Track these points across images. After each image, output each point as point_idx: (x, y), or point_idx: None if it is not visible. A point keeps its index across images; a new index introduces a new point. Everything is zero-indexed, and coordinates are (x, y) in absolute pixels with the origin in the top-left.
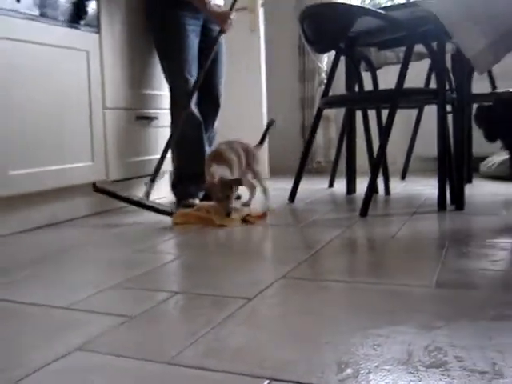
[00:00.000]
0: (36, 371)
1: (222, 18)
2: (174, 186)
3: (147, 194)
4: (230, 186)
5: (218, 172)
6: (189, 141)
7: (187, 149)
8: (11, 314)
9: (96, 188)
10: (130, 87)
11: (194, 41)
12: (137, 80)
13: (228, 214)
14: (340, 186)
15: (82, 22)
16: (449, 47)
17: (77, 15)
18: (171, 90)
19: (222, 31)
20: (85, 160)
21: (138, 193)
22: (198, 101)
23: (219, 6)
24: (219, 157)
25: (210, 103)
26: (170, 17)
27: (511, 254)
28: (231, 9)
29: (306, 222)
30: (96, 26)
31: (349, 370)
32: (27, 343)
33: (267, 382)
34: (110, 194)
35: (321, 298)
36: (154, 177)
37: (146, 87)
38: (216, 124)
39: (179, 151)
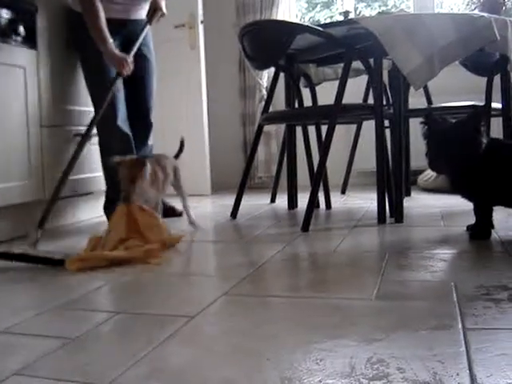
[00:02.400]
0: None
1: (118, 61)
2: (105, 208)
3: (34, 243)
4: (139, 165)
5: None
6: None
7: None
8: None
9: None
10: (67, 104)
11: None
12: (74, 97)
13: (126, 199)
14: (282, 201)
15: (19, 39)
16: (386, 64)
17: (13, 31)
18: (94, 105)
19: (118, 74)
20: (22, 179)
21: (78, 212)
22: (128, 117)
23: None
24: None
25: (140, 119)
26: (85, 35)
27: (449, 265)
28: (129, 52)
29: (248, 237)
30: (33, 42)
31: None
32: None
33: None
34: None
35: (263, 314)
36: (42, 222)
37: (84, 104)
38: (150, 141)
39: (108, 169)
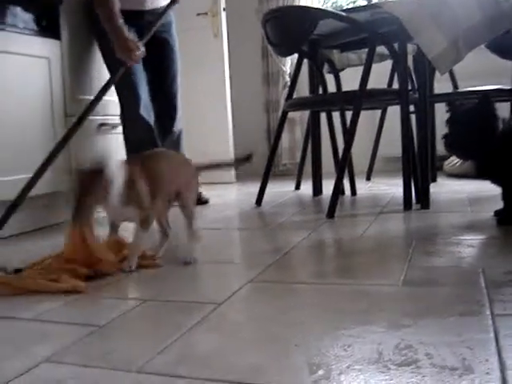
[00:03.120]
0: None
1: (125, 48)
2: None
3: None
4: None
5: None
6: (139, 146)
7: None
8: None
9: None
10: (91, 94)
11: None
12: (98, 86)
13: (73, 219)
14: (306, 187)
15: (43, 30)
16: (410, 48)
17: (37, 23)
18: (118, 96)
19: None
20: (48, 169)
21: None
22: (153, 104)
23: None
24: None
25: (164, 106)
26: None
27: (477, 251)
28: (142, 39)
29: (273, 224)
30: (56, 32)
31: (320, 372)
32: None
33: None
34: None
35: (289, 300)
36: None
37: (109, 94)
38: (177, 127)
39: None
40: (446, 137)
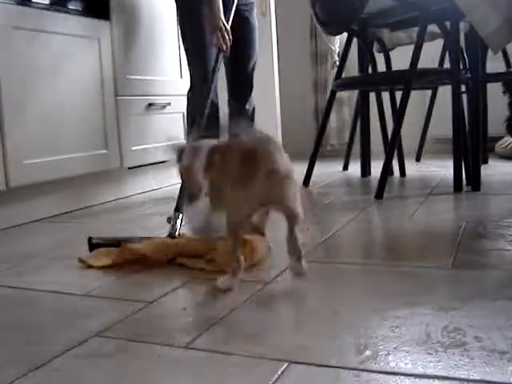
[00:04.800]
0: (56, 357)
1: (212, 27)
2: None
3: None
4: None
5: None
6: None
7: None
8: (27, 302)
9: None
10: (141, 74)
11: None
12: (148, 67)
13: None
14: (354, 168)
15: (92, 10)
16: (462, 26)
17: (86, 3)
18: (190, 74)
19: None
20: (99, 148)
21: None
22: (228, 81)
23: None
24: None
25: (241, 80)
26: (196, 8)
27: None
28: (228, 20)
29: (321, 205)
30: (106, 13)
31: (367, 352)
32: (45, 330)
33: (286, 364)
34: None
35: (337, 281)
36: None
37: (158, 74)
38: (249, 105)
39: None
40: (509, 120)
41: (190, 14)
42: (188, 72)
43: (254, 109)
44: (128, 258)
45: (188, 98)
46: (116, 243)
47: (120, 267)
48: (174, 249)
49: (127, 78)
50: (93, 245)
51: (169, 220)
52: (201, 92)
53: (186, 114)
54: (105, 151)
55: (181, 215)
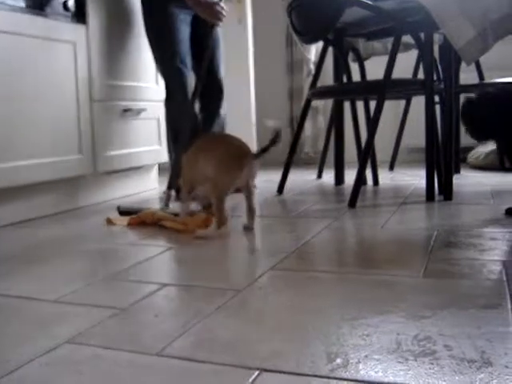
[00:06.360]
0: (24, 364)
1: (210, 10)
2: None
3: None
4: None
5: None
6: (184, 135)
7: (183, 143)
8: None
9: (120, 211)
10: (117, 79)
11: (184, 30)
12: (124, 72)
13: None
14: (328, 176)
15: (69, 14)
16: (436, 38)
17: (63, 6)
18: (165, 82)
19: (213, 25)
20: (72, 153)
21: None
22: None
23: None
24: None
25: (212, 87)
26: (157, 4)
27: (499, 244)
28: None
29: (294, 213)
30: (82, 17)
31: (338, 360)
32: (14, 336)
33: (258, 372)
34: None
35: (310, 289)
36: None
37: (134, 79)
38: (223, 110)
39: (175, 147)
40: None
41: (150, 14)
42: (163, 80)
43: (225, 115)
44: (135, 222)
45: (167, 109)
46: (135, 211)
47: (95, 271)
48: (159, 216)
49: (103, 83)
50: (121, 212)
51: (165, 196)
52: (182, 102)
53: (166, 125)
54: (79, 156)
55: (173, 191)
